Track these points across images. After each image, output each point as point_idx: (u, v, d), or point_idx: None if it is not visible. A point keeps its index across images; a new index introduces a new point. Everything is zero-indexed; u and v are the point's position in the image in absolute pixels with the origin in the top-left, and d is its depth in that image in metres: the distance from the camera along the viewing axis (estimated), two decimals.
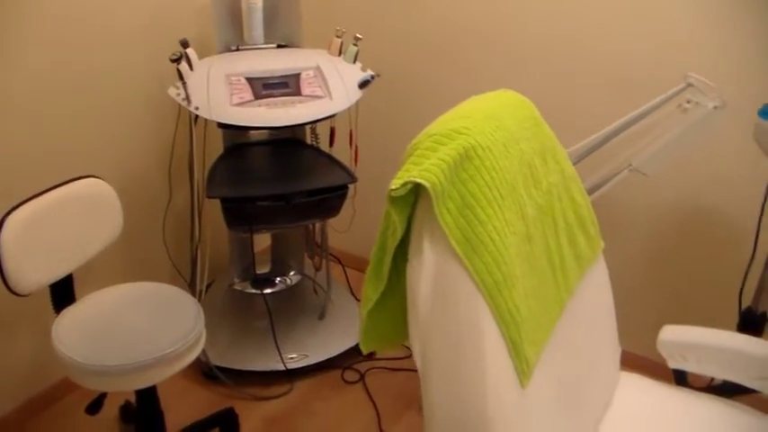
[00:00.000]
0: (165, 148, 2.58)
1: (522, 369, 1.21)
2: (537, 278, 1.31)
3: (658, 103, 1.94)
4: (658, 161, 1.89)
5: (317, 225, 2.79)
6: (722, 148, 2.26)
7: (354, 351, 2.64)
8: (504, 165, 1.23)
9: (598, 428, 1.64)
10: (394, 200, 1.15)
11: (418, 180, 1.12)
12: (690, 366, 1.75)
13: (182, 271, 2.79)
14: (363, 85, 2.33)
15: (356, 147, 2.63)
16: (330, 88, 2.28)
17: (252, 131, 2.54)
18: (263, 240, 3.01)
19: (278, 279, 2.84)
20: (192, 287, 2.63)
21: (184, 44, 2.25)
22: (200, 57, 2.34)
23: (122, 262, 2.59)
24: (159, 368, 1.80)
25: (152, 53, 2.47)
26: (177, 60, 2.20)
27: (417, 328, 1.22)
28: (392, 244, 1.21)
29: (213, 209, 2.26)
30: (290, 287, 2.82)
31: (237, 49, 2.52)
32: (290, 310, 2.75)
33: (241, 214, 2.28)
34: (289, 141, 2.61)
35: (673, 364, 1.77)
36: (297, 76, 2.31)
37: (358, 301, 2.79)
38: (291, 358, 2.54)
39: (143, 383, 1.83)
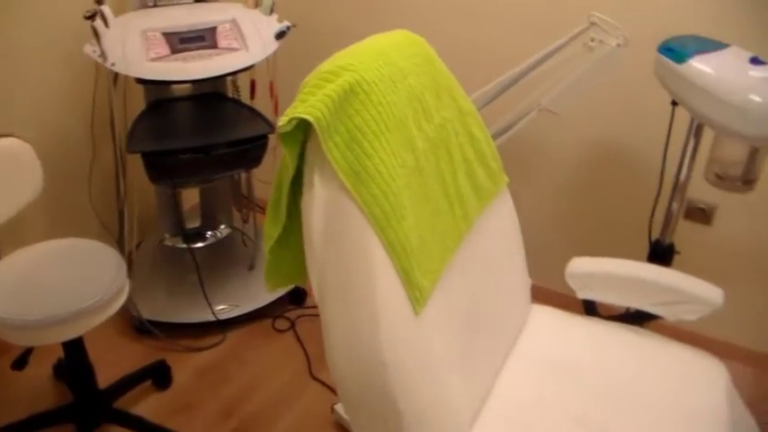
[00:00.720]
0: (87, 106, 2.57)
1: (415, 297, 1.26)
2: (430, 209, 1.35)
3: (564, 43, 1.98)
4: (566, 99, 1.93)
5: (243, 177, 2.81)
6: (629, 84, 2.32)
7: (285, 300, 2.68)
8: (391, 99, 1.26)
9: (508, 355, 1.70)
10: (283, 137, 1.19)
11: (303, 116, 1.15)
12: (598, 296, 1.83)
13: (110, 228, 2.79)
14: (280, 36, 2.34)
15: (277, 98, 2.65)
16: (246, 40, 2.29)
17: (173, 86, 2.54)
18: (192, 197, 3.02)
19: (208, 233, 2.85)
20: (120, 244, 2.64)
21: (99, 0, 2.24)
22: (117, 14, 2.33)
23: (49, 221, 2.58)
24: (81, 320, 1.82)
25: (69, 10, 2.45)
26: (92, 17, 2.19)
27: (313, 262, 1.26)
28: (286, 181, 1.25)
29: (139, 165, 2.27)
30: (220, 240, 2.84)
31: (154, 5, 2.51)
32: (221, 263, 2.77)
33: (163, 168, 2.29)
34: (210, 95, 2.61)
35: (581, 294, 1.84)
36: (213, 30, 2.31)
37: None
38: (222, 309, 2.58)
39: (66, 336, 1.85)
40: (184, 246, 2.80)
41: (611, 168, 2.50)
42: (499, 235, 1.66)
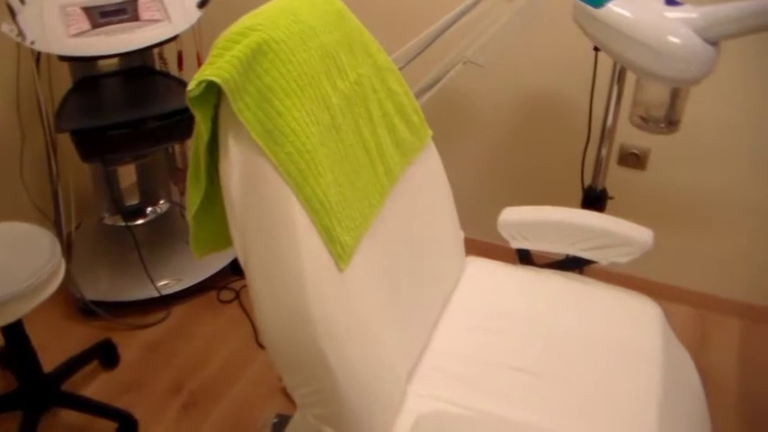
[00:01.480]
0: (11, 87, 2.52)
1: (338, 253, 1.26)
2: (350, 166, 1.35)
3: None
4: (490, 51, 1.94)
5: (178, 150, 2.78)
6: (552, 33, 2.33)
7: (227, 271, 2.68)
8: (301, 57, 1.25)
9: (444, 309, 1.72)
10: (194, 102, 1.17)
11: (211, 78, 1.14)
12: (531, 245, 1.84)
13: (47, 212, 2.75)
14: (202, 4, 2.31)
15: None
16: (168, 11, 2.26)
17: (99, 62, 2.49)
18: (130, 174, 2.98)
19: (148, 209, 2.82)
20: (57, 226, 2.61)
21: None
22: None
23: None
24: (15, 304, 1.79)
25: None
26: None
27: (235, 225, 1.25)
28: (202, 146, 1.24)
29: (71, 145, 2.23)
30: (160, 216, 2.81)
31: None
32: (162, 238, 2.75)
33: (93, 146, 2.26)
34: (137, 69, 2.57)
35: (515, 244, 1.85)
36: (134, 2, 2.27)
37: None
38: (165, 284, 2.56)
39: (3, 320, 1.82)
40: (124, 224, 2.77)
41: (540, 117, 2.52)
42: (426, 189, 1.66)
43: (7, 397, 2.10)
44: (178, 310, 2.58)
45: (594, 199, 2.14)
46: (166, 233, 2.78)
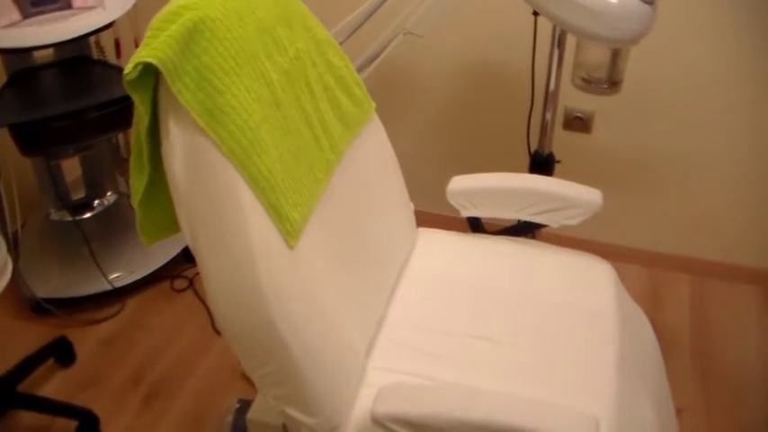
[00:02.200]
0: None
1: (287, 230, 1.25)
2: (294, 142, 1.34)
3: None
4: (430, 21, 1.93)
5: (122, 140, 2.74)
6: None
7: (180, 259, 2.65)
8: (239, 34, 1.23)
9: (399, 281, 1.72)
10: (131, 85, 1.15)
11: (147, 60, 1.12)
12: (481, 212, 1.85)
13: None
14: None
15: None
16: None
17: (34, 54, 2.44)
18: (74, 167, 2.93)
19: (95, 202, 2.78)
20: (2, 225, 2.56)
21: None
22: None
23: None
24: None
25: None
26: None
27: (182, 208, 1.23)
28: (143, 130, 1.22)
29: (11, 140, 2.18)
30: (108, 207, 2.77)
31: None
32: (112, 230, 2.71)
33: (33, 139, 2.21)
34: (74, 59, 2.51)
35: (465, 213, 1.86)
36: None
37: None
38: (118, 277, 2.53)
39: None
40: (72, 218, 2.73)
41: (484, 85, 2.52)
42: (373, 162, 1.66)
43: None
44: (132, 302, 2.55)
45: (542, 163, 2.16)
46: (116, 225, 2.74)
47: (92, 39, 2.49)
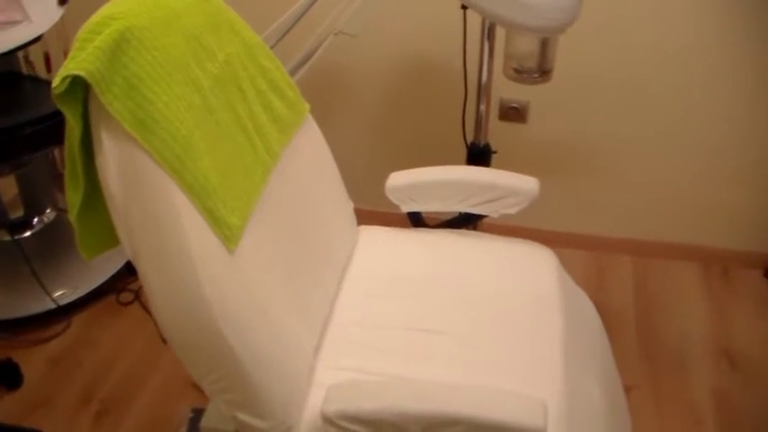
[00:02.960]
0: None
1: (226, 235, 1.25)
2: (228, 147, 1.34)
3: None
4: (361, 20, 1.94)
5: (58, 156, 2.70)
6: None
7: (124, 272, 2.62)
8: (166, 42, 1.23)
9: (342, 280, 1.72)
10: (60, 99, 1.14)
11: (75, 72, 1.11)
12: (421, 206, 1.86)
13: None
14: (63, 1, 2.24)
15: None
16: (27, 10, 2.18)
17: None
18: (11, 186, 2.89)
19: (35, 220, 2.74)
20: None
21: None
22: None
23: None
24: None
25: None
26: None
27: (120, 220, 1.23)
28: (75, 144, 1.21)
29: None
30: (48, 225, 2.74)
31: None
32: (53, 248, 2.68)
33: None
34: (3, 75, 2.48)
35: (405, 208, 1.87)
36: None
37: None
38: (62, 294, 2.50)
39: None
40: (11, 238, 2.69)
41: (417, 81, 2.54)
42: (309, 163, 1.66)
43: None
44: (78, 319, 2.51)
45: (479, 155, 2.18)
46: (57, 242, 2.71)
47: (20, 54, 2.46)
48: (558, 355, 1.52)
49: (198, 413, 2.03)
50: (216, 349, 1.24)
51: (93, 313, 2.54)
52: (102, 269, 2.59)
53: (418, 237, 1.85)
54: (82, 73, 1.11)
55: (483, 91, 2.07)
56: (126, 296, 2.59)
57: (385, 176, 1.85)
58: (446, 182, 1.81)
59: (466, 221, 1.89)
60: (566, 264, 1.86)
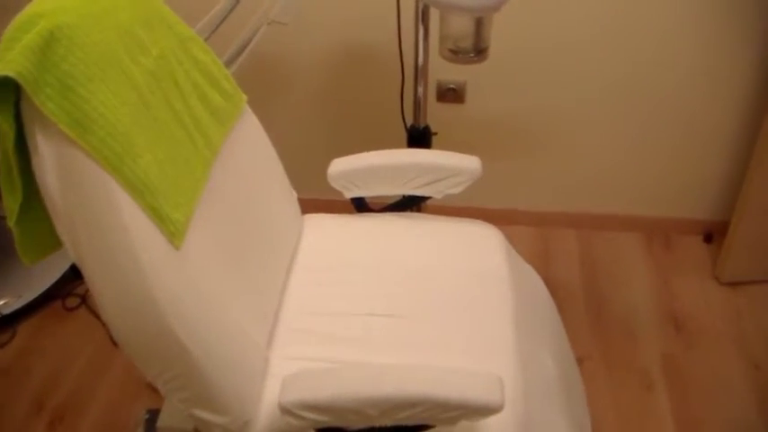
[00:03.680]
0: None
1: (171, 231, 1.24)
2: (168, 142, 1.32)
3: None
4: (292, 8, 1.93)
5: None
6: None
7: (69, 277, 2.58)
8: (98, 39, 1.21)
9: (291, 270, 1.72)
10: None
11: (4, 74, 1.08)
12: (364, 192, 1.86)
13: None
14: None
15: None
16: None
17: None
18: None
19: None
20: None
21: None
22: None
23: None
24: None
25: None
26: None
27: (61, 222, 1.21)
28: (9, 147, 1.17)
29: None
30: None
31: None
32: None
33: None
34: None
35: (348, 194, 1.87)
36: None
37: None
38: (5, 303, 2.45)
39: None
40: None
41: (354, 66, 2.54)
42: (250, 155, 1.65)
43: None
44: (24, 328, 2.47)
45: (419, 137, 2.19)
46: None
47: None
48: (510, 332, 1.54)
49: (154, 414, 2.01)
50: (168, 348, 1.23)
51: (39, 320, 2.49)
52: (46, 275, 2.54)
53: (363, 222, 1.86)
54: (11, 74, 1.08)
55: (420, 73, 2.08)
56: (72, 301, 2.55)
57: (326, 164, 1.85)
58: (389, 166, 1.81)
59: (410, 204, 1.89)
60: (512, 240, 1.88)
